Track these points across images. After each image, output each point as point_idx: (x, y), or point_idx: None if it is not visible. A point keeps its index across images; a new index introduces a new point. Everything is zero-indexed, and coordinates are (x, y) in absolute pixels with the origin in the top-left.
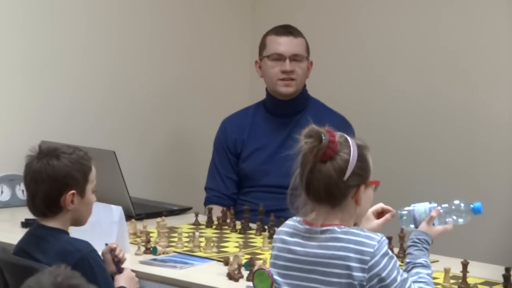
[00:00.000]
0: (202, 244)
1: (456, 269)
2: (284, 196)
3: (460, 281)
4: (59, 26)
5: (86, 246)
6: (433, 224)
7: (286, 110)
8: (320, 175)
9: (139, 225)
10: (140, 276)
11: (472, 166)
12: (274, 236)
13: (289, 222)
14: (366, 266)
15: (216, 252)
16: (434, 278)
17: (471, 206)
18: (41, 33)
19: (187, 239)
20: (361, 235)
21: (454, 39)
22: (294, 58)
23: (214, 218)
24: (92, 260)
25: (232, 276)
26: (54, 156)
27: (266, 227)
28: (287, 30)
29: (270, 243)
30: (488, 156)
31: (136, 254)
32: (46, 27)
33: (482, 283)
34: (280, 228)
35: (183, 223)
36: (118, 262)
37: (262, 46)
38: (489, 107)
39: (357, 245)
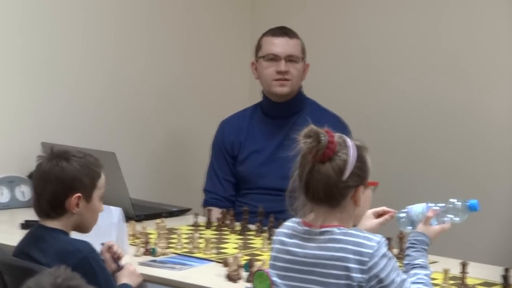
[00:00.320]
0: (201, 245)
1: (455, 270)
2: (282, 198)
3: (459, 281)
4: (57, 27)
5: (86, 246)
6: (431, 224)
7: (282, 112)
8: (319, 175)
9: (138, 227)
10: None
11: (472, 166)
12: (273, 237)
13: (288, 223)
14: (365, 267)
15: (215, 253)
16: (434, 279)
17: (467, 203)
18: (39, 34)
19: (186, 240)
20: (360, 236)
21: (453, 38)
22: (289, 59)
23: (214, 220)
24: (93, 260)
25: (231, 277)
26: (64, 158)
27: (265, 228)
28: (282, 31)
29: (269, 244)
30: (488, 156)
31: (135, 255)
32: (44, 28)
33: (481, 284)
34: (279, 229)
35: (182, 224)
36: (117, 259)
37: (258, 47)
38: (489, 107)
39: (356, 246)
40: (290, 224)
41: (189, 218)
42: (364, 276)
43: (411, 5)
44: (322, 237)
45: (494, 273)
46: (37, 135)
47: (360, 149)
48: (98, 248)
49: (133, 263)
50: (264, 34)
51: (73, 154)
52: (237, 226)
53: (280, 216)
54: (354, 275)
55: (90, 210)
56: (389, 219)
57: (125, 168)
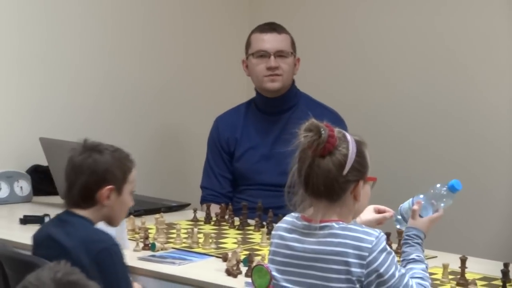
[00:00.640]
0: (201, 240)
1: (455, 265)
2: (280, 193)
3: (459, 276)
4: (54, 23)
5: (110, 238)
6: (422, 216)
7: (276, 107)
8: (319, 170)
9: (138, 222)
10: (139, 272)
11: (471, 163)
12: (272, 232)
13: (287, 218)
14: (364, 262)
15: (214, 248)
16: (433, 273)
17: (448, 186)
18: (36, 30)
19: (186, 235)
20: (359, 231)
21: (452, 34)
22: (279, 54)
23: (213, 215)
24: (114, 253)
25: (231, 272)
26: (97, 151)
27: (264, 223)
28: (270, 27)
29: (268, 239)
30: (487, 153)
31: (134, 250)
32: (41, 24)
33: (480, 279)
34: (278, 224)
35: (181, 219)
36: None
37: (248, 44)
38: (489, 104)
39: (355, 241)
40: (290, 219)
41: (188, 213)
42: (363, 270)
43: (410, 2)
44: (321, 232)
45: (493, 268)
46: (35, 130)
47: (359, 144)
48: None
49: (132, 258)
50: (253, 31)
51: (105, 147)
52: (236, 221)
53: (278, 212)
54: (353, 269)
55: (120, 203)
56: (388, 218)
57: None
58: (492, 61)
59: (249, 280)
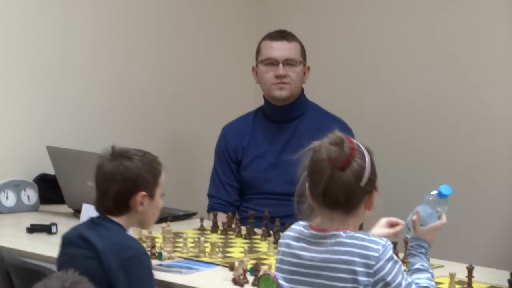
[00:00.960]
0: (207, 249)
1: (462, 274)
2: (287, 202)
3: (466, 286)
4: (63, 33)
5: (141, 247)
6: (424, 224)
7: (284, 115)
8: (340, 181)
9: (144, 230)
10: None
11: (473, 167)
12: (280, 241)
13: (294, 226)
14: (371, 271)
15: (221, 257)
16: (440, 283)
17: (437, 192)
18: (45, 40)
19: (192, 244)
20: (366, 240)
21: (454, 40)
22: (288, 62)
23: (219, 224)
24: (143, 262)
25: (238, 281)
26: (126, 158)
27: (271, 232)
28: (280, 34)
29: (275, 248)
30: (489, 157)
31: None
32: (51, 33)
33: None
34: (286, 233)
35: (188, 228)
36: None
37: (257, 52)
38: (489, 108)
39: (362, 249)
40: (297, 227)
41: (195, 222)
42: (370, 279)
43: (414, 7)
44: (328, 240)
45: (500, 277)
46: (42, 139)
47: (371, 154)
48: None
49: None
50: (263, 39)
51: (134, 153)
52: (243, 230)
53: (285, 221)
54: (360, 278)
55: (153, 207)
56: (400, 231)
57: None
58: (495, 66)
59: None
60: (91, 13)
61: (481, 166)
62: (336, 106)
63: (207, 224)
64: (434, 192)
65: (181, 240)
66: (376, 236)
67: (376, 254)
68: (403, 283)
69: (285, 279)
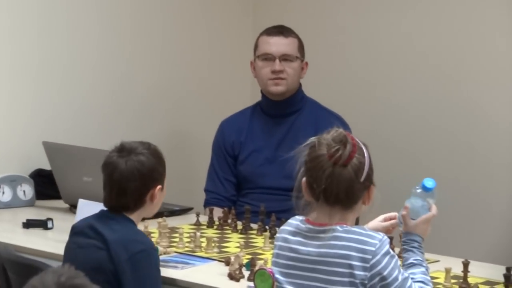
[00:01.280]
0: (203, 244)
1: (457, 269)
2: (283, 197)
3: (461, 281)
4: (63, 31)
5: (150, 242)
6: (414, 218)
7: (281, 110)
8: (342, 177)
9: (140, 225)
10: None
11: (471, 166)
12: (276, 235)
13: (291, 221)
14: (368, 265)
15: (217, 252)
16: (435, 278)
17: (422, 186)
18: (43, 36)
19: (188, 240)
20: (362, 234)
21: (453, 41)
22: (284, 58)
23: (215, 219)
24: (152, 257)
25: (233, 276)
26: (139, 154)
27: (267, 227)
28: (278, 30)
29: (271, 243)
30: (488, 157)
31: None
32: (52, 30)
33: (483, 283)
34: (283, 227)
35: (184, 223)
36: None
37: (255, 46)
38: (489, 109)
39: (358, 243)
40: (294, 222)
41: (191, 217)
42: (366, 273)
43: (413, 7)
44: (325, 235)
45: (495, 272)
46: (38, 134)
47: (367, 149)
48: None
49: None
50: (261, 34)
51: (143, 148)
52: (239, 225)
53: (281, 216)
54: (357, 272)
55: (161, 197)
56: (395, 225)
57: None
58: (496, 67)
59: (251, 284)
60: (90, 10)
61: (477, 162)
62: (334, 101)
63: (203, 219)
64: (417, 186)
65: (177, 235)
66: (373, 231)
67: (373, 249)
68: (400, 278)
69: (282, 273)
